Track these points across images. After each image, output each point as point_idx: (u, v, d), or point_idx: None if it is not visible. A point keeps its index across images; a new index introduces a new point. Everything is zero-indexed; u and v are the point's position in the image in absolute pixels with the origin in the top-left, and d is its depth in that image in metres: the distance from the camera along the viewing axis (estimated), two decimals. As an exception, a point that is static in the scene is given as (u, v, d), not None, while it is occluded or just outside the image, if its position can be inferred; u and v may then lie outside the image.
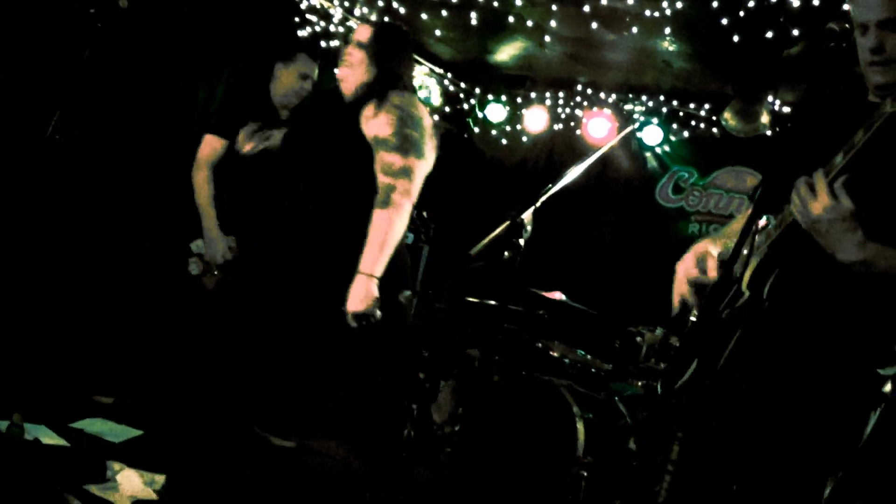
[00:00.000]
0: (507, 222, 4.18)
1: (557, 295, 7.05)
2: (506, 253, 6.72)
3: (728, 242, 3.29)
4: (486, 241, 4.35)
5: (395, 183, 3.63)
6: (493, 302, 6.76)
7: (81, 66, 5.46)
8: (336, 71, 4.00)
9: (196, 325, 4.47)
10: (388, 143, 3.66)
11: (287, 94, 5.33)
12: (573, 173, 4.49)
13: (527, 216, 4.15)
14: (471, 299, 7.28)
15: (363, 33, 3.99)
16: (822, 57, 2.78)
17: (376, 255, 3.56)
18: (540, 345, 6.80)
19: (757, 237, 3.06)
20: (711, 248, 3.22)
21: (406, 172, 3.66)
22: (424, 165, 3.76)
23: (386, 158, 3.66)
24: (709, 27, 6.48)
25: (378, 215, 3.59)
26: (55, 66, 5.79)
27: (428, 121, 3.83)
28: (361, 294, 3.52)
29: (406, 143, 3.67)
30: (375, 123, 3.71)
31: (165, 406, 4.55)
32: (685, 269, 3.25)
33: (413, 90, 3.99)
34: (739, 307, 3.01)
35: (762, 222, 3.31)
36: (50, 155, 5.29)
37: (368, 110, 3.75)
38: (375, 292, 3.54)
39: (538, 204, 4.27)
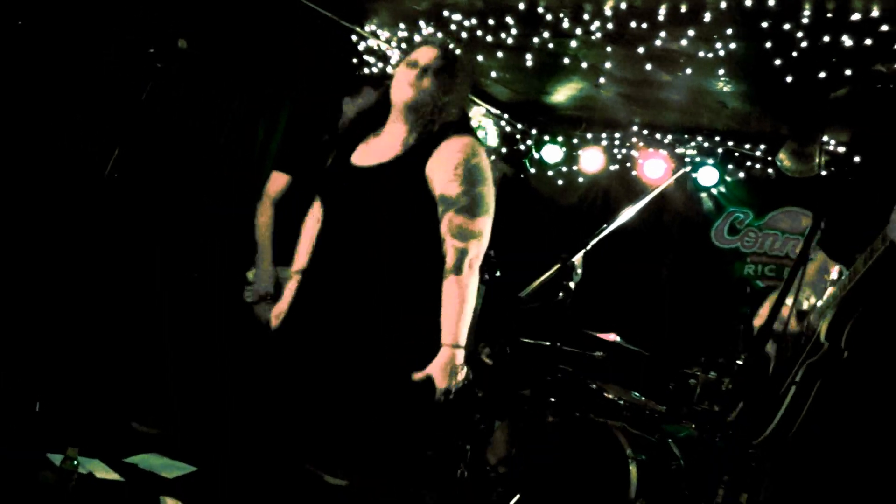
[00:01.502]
0: (558, 265, 4.16)
1: (612, 336, 7.04)
2: (560, 294, 6.76)
3: (804, 292, 3.31)
4: (536, 283, 4.34)
5: (467, 247, 3.43)
6: (547, 343, 6.75)
7: (141, 105, 5.56)
8: (392, 95, 3.71)
9: (249, 356, 4.53)
10: (457, 204, 3.44)
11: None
12: (625, 215, 4.48)
13: (577, 259, 4.13)
14: (526, 340, 7.29)
15: (427, 55, 3.69)
16: (869, 99, 2.77)
17: (457, 324, 3.37)
18: (594, 386, 6.78)
19: (831, 288, 3.07)
20: (787, 298, 3.22)
21: (477, 235, 3.46)
22: (490, 221, 3.56)
23: (455, 221, 3.44)
24: (762, 67, 6.47)
25: (453, 283, 3.40)
26: (116, 106, 5.92)
27: (490, 169, 3.61)
28: (450, 367, 3.35)
29: (475, 204, 3.47)
30: (442, 178, 3.48)
31: (216, 439, 4.59)
32: (762, 317, 3.29)
33: (473, 130, 3.73)
34: (819, 359, 3.01)
35: (834, 275, 3.32)
36: (109, 192, 5.38)
37: (436, 161, 3.51)
38: (462, 361, 3.38)
39: (589, 247, 4.26)
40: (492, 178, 3.61)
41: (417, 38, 7.94)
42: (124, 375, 5.88)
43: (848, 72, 5.83)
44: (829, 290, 3.25)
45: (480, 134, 9.52)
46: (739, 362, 5.78)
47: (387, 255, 3.50)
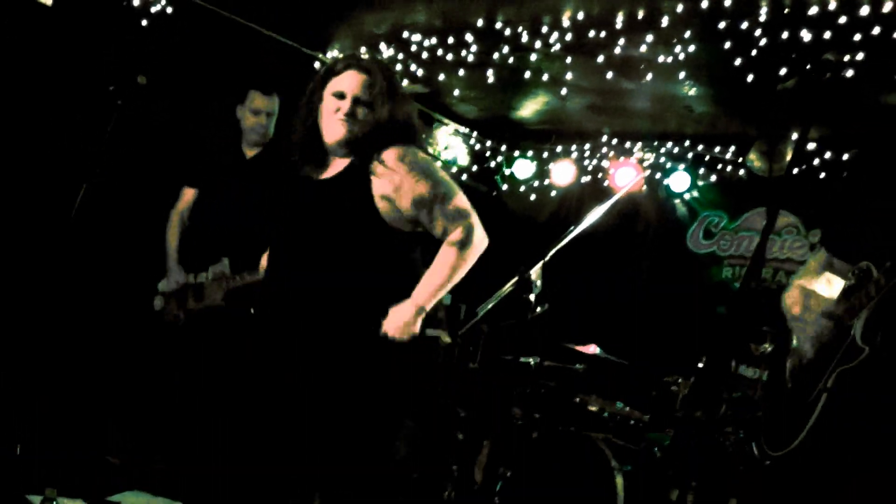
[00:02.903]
0: (516, 278, 4.10)
1: (592, 348, 6.98)
2: (538, 309, 6.71)
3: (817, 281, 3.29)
4: (493, 298, 4.29)
5: (470, 222, 3.47)
6: (529, 359, 6.68)
7: (104, 142, 5.54)
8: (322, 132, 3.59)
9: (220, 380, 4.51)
10: (436, 197, 3.44)
11: (247, 134, 5.44)
12: (584, 224, 4.43)
13: (535, 271, 4.08)
14: (506, 357, 7.22)
15: (353, 83, 3.50)
16: (818, 88, 2.73)
17: (432, 292, 3.40)
18: (577, 399, 6.73)
19: (872, 290, 3.01)
20: (807, 285, 3.20)
21: (470, 210, 3.50)
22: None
23: (447, 208, 3.46)
24: (724, 68, 6.45)
25: (452, 254, 3.42)
26: (78, 144, 5.90)
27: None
28: (406, 322, 3.35)
29: (451, 187, 3.51)
30: (405, 185, 3.45)
31: (196, 470, 4.53)
32: (795, 302, 3.25)
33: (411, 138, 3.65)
34: (857, 365, 2.95)
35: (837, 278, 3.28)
36: (75, 230, 5.35)
37: (388, 176, 3.46)
38: (418, 328, 3.36)
39: (547, 258, 4.20)
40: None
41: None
42: (97, 408, 5.86)
43: (809, 67, 5.83)
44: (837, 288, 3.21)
45: (449, 153, 9.48)
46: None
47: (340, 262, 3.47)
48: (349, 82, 3.50)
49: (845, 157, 7.59)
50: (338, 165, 3.59)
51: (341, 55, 3.68)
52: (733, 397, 5.90)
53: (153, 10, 6.65)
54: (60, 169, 5.87)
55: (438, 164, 3.66)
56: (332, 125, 3.52)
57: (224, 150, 5.52)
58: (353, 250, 3.45)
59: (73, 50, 6.18)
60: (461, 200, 3.51)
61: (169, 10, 6.68)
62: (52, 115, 6.04)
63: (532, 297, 4.05)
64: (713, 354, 5.31)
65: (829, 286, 3.33)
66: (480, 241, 3.51)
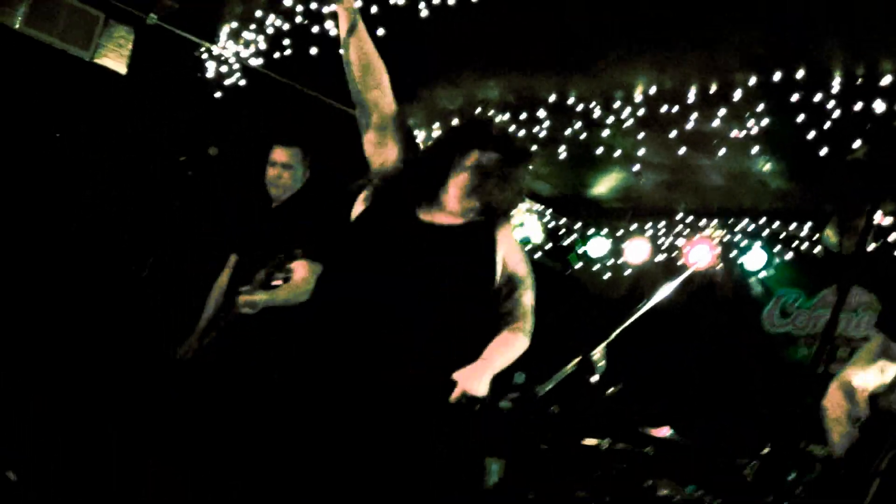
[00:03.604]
0: (578, 359, 4.02)
1: (665, 431, 6.81)
2: (611, 389, 6.58)
3: (868, 371, 3.16)
4: (553, 379, 4.21)
5: (531, 320, 3.65)
6: (601, 442, 6.54)
7: (175, 212, 5.62)
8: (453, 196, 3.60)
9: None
10: (525, 284, 3.65)
11: (268, 187, 5.39)
12: (647, 306, 4.34)
13: (598, 352, 4.00)
14: (584, 440, 7.08)
15: (490, 160, 3.55)
16: (890, 158, 2.62)
17: (500, 358, 3.51)
18: (648, 483, 6.56)
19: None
20: (854, 380, 3.07)
21: (533, 313, 3.68)
22: None
23: (525, 298, 3.64)
24: (797, 142, 6.34)
25: (518, 339, 3.59)
26: (149, 213, 5.99)
27: None
28: (479, 376, 3.38)
29: (532, 281, 3.67)
30: (513, 258, 3.64)
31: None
32: (836, 404, 3.12)
33: None
34: None
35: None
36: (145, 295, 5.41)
37: (507, 241, 3.63)
38: (489, 380, 3.42)
39: (612, 338, 4.11)
40: None
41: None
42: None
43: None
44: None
45: (524, 231, 9.45)
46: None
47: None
48: (489, 160, 3.55)
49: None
50: (455, 215, 3.60)
51: (488, 122, 3.73)
52: (808, 478, 5.69)
53: (227, 82, 6.77)
54: (131, 234, 5.94)
55: None
56: (468, 196, 3.55)
57: (258, 208, 5.54)
58: (473, 303, 3.55)
59: (147, 119, 6.28)
60: (531, 298, 3.69)
61: (242, 82, 6.80)
62: (125, 183, 6.13)
63: (594, 378, 3.95)
64: (781, 436, 5.16)
65: (882, 374, 3.21)
66: (527, 342, 3.66)
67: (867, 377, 3.24)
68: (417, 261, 3.48)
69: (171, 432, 4.94)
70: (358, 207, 3.65)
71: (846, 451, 3.13)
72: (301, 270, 4.81)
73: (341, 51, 3.57)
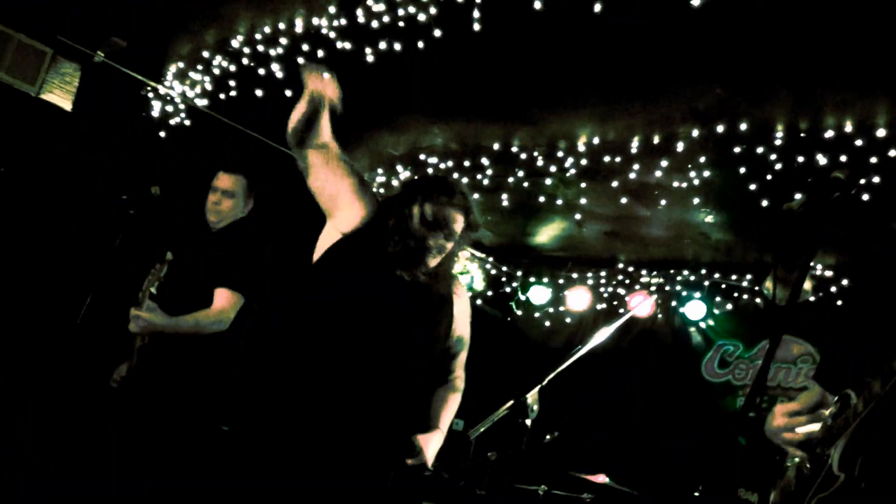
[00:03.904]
0: (511, 402, 4.01)
1: (601, 478, 6.81)
2: (547, 437, 6.57)
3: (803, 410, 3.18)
4: (487, 421, 4.21)
5: (462, 375, 3.91)
6: (537, 488, 6.52)
7: (115, 252, 5.53)
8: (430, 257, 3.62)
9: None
10: (466, 346, 3.89)
11: (207, 213, 5.14)
12: (581, 350, 4.33)
13: (532, 395, 3.97)
14: (518, 485, 7.05)
15: (458, 221, 3.64)
16: (827, 208, 2.64)
17: (447, 420, 3.79)
18: (587, 529, 6.55)
19: (850, 416, 2.91)
20: (791, 407, 3.08)
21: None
22: None
23: (463, 358, 3.88)
24: (738, 194, 6.42)
25: (454, 398, 3.86)
26: (90, 252, 5.91)
27: None
28: (436, 446, 3.70)
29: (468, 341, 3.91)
30: (464, 320, 3.83)
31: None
32: (778, 419, 3.11)
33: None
34: (832, 493, 2.84)
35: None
36: (78, 338, 5.31)
37: (461, 305, 3.81)
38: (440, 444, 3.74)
39: (544, 382, 4.10)
40: None
41: (395, 182, 7.95)
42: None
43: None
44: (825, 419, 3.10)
45: (466, 278, 9.44)
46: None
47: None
48: (451, 221, 3.59)
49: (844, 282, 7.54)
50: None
51: (440, 180, 3.73)
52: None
53: (172, 121, 6.73)
54: (68, 272, 5.86)
55: None
56: (425, 257, 3.57)
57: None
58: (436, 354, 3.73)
59: (91, 156, 6.21)
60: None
61: (188, 122, 6.76)
62: (67, 219, 6.05)
63: (528, 421, 3.94)
64: (711, 483, 5.18)
65: (816, 422, 3.24)
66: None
67: (802, 416, 3.26)
68: (388, 312, 3.54)
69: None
70: (320, 251, 3.63)
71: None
72: (222, 299, 4.61)
73: (296, 146, 3.54)
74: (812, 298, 7.60)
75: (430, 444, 3.66)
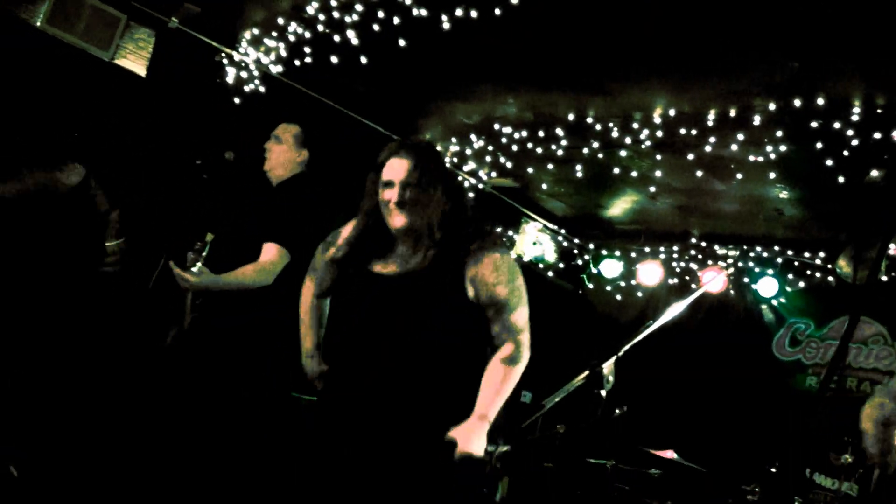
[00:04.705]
0: (587, 372, 3.96)
1: (669, 453, 6.81)
2: (616, 410, 6.55)
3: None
4: (561, 391, 4.15)
5: (521, 339, 3.50)
6: (605, 462, 6.52)
7: (188, 215, 5.59)
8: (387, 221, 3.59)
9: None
10: (510, 304, 3.49)
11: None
12: (656, 324, 4.28)
13: (608, 366, 3.93)
14: (581, 458, 7.06)
15: (401, 170, 3.52)
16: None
17: (492, 402, 3.40)
18: (653, 504, 6.56)
19: None
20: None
21: (526, 328, 3.53)
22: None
23: (514, 318, 3.50)
24: (814, 170, 6.32)
25: (502, 370, 3.44)
26: (163, 216, 5.97)
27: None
28: (474, 434, 3.29)
29: (521, 300, 3.53)
30: (487, 281, 3.49)
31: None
32: (871, 411, 3.12)
33: (493, 237, 3.71)
34: None
35: None
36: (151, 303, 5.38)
37: (479, 267, 3.49)
38: (485, 433, 3.34)
39: (621, 353, 4.06)
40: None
41: (469, 152, 7.95)
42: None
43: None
44: None
45: (537, 250, 9.43)
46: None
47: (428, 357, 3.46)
48: (395, 169, 3.50)
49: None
50: (414, 258, 3.57)
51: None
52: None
53: (246, 88, 6.78)
54: (145, 240, 5.91)
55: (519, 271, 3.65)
56: (391, 217, 3.50)
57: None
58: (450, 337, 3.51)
59: (164, 122, 6.27)
60: (521, 315, 3.55)
61: (262, 89, 6.81)
62: (140, 185, 6.11)
63: (604, 392, 3.89)
64: (786, 461, 5.11)
65: None
66: (525, 359, 3.53)
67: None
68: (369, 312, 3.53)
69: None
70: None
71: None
72: (268, 253, 4.55)
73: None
74: (885, 278, 7.47)
75: (468, 437, 3.28)
